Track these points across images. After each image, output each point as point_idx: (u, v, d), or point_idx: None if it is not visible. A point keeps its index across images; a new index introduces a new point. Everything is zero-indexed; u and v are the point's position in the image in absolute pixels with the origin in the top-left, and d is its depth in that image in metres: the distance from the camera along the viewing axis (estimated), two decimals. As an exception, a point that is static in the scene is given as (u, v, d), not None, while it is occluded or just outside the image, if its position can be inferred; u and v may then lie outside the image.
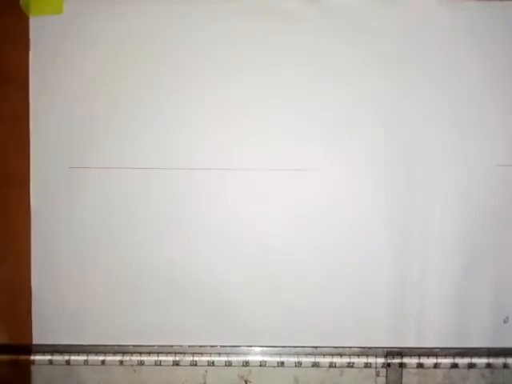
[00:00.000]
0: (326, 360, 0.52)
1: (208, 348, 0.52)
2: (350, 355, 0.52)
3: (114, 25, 0.51)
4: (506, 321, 0.52)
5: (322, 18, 0.51)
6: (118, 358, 0.52)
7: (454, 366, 0.53)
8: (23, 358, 0.52)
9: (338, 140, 0.52)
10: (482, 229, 0.52)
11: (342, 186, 0.52)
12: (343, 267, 0.52)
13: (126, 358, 0.52)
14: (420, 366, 0.53)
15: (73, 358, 0.52)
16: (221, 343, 0.53)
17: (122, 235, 0.52)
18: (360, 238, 0.52)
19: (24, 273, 0.52)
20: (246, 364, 0.52)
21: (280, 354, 0.52)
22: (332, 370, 0.52)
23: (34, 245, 0.52)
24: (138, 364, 0.52)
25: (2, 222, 0.52)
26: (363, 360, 0.52)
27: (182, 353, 0.52)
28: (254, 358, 0.52)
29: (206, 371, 0.53)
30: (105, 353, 0.52)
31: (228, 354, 0.52)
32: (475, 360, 0.52)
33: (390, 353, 0.53)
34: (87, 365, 0.52)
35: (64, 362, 0.52)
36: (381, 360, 0.52)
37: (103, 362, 0.52)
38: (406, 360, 0.53)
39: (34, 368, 0.52)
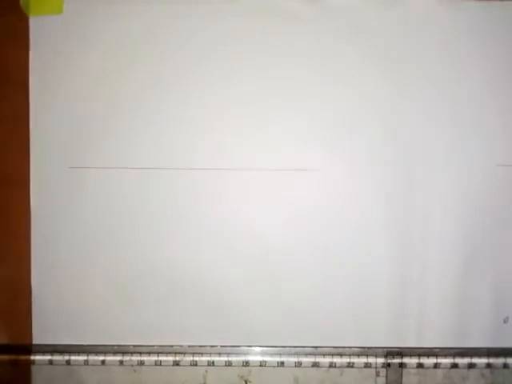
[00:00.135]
0: (326, 360, 0.52)
1: (208, 348, 0.52)
2: (349, 355, 0.52)
3: (114, 25, 0.51)
4: (506, 321, 0.52)
5: (322, 17, 0.51)
6: (118, 357, 0.52)
7: (454, 365, 0.53)
8: (23, 357, 0.52)
9: (337, 140, 0.52)
10: (481, 229, 0.52)
11: (342, 186, 0.52)
12: (343, 267, 0.52)
13: (126, 357, 0.52)
14: (420, 366, 0.53)
15: (73, 357, 0.52)
16: (221, 343, 0.53)
17: (122, 235, 0.52)
18: (360, 238, 0.52)
19: (24, 273, 0.52)
20: (246, 364, 0.52)
21: (280, 354, 0.52)
22: (332, 369, 0.52)
23: (33, 245, 0.52)
24: (137, 364, 0.52)
25: (2, 221, 0.52)
26: (363, 360, 0.52)
27: (181, 353, 0.52)
28: (254, 358, 0.52)
29: (206, 371, 0.53)
30: (105, 353, 0.52)
31: (228, 354, 0.52)
32: (475, 360, 0.52)
33: (390, 353, 0.53)
34: (87, 365, 0.52)
35: (64, 362, 0.52)
36: (381, 360, 0.52)
37: (103, 362, 0.52)
38: (406, 360, 0.53)
39: (33, 368, 0.52)
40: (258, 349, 0.52)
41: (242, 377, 0.53)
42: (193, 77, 0.51)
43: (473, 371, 0.53)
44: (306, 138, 0.52)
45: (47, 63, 0.51)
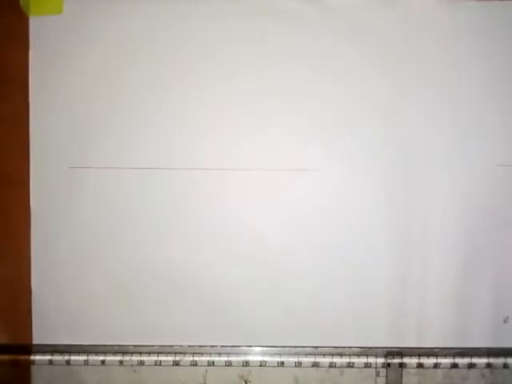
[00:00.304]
0: (326, 360, 0.52)
1: (208, 348, 0.52)
2: (349, 355, 0.52)
3: (114, 25, 0.51)
4: (506, 321, 0.52)
5: (322, 17, 0.51)
6: (118, 357, 0.52)
7: (454, 366, 0.53)
8: (23, 357, 0.52)
9: (338, 140, 0.52)
10: (481, 229, 0.52)
11: (342, 186, 0.52)
12: (343, 267, 0.52)
13: (126, 357, 0.52)
14: (420, 366, 0.53)
15: (73, 357, 0.52)
16: (221, 343, 0.53)
17: (122, 235, 0.52)
18: (360, 238, 0.52)
19: (24, 273, 0.52)
20: (246, 364, 0.52)
21: (280, 354, 0.52)
22: (332, 369, 0.52)
23: (33, 245, 0.52)
24: (137, 364, 0.52)
25: (2, 221, 0.52)
26: (363, 360, 0.52)
27: (182, 353, 0.52)
28: (254, 358, 0.52)
29: (206, 371, 0.53)
30: (105, 353, 0.52)
31: (228, 353, 0.52)
32: (475, 360, 0.52)
33: (390, 353, 0.53)
34: (87, 365, 0.52)
35: (64, 362, 0.52)
36: (381, 360, 0.52)
37: (103, 362, 0.52)
38: (406, 360, 0.53)
39: (33, 368, 0.52)
40: (257, 349, 0.52)
41: (242, 377, 0.53)
42: (193, 77, 0.51)
43: (473, 371, 0.53)
44: (306, 137, 0.52)
45: (47, 63, 0.51)
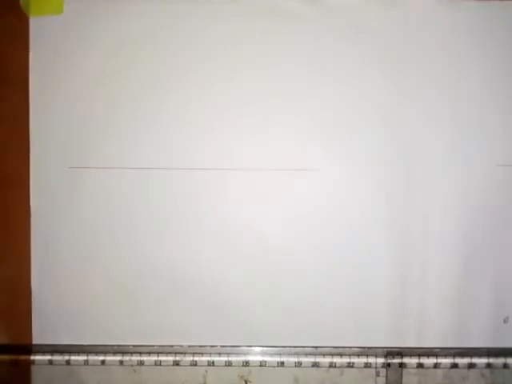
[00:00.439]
0: (326, 360, 0.52)
1: (208, 348, 0.52)
2: (350, 355, 0.52)
3: (114, 25, 0.51)
4: (506, 321, 0.52)
5: (322, 17, 0.51)
6: (118, 358, 0.52)
7: (454, 366, 0.53)
8: (23, 357, 0.52)
9: (338, 140, 0.52)
10: (482, 229, 0.52)
11: (342, 186, 0.52)
12: (343, 267, 0.52)
13: (126, 358, 0.52)
14: (420, 366, 0.53)
15: (73, 357, 0.52)
16: (221, 343, 0.53)
17: (122, 235, 0.52)
18: (360, 238, 0.52)
19: (24, 273, 0.52)
20: (246, 364, 0.52)
21: (280, 354, 0.52)
22: (332, 369, 0.52)
23: (33, 245, 0.52)
24: (137, 364, 0.52)
25: (2, 221, 0.52)
26: (363, 360, 0.52)
27: (182, 353, 0.52)
28: (254, 358, 0.52)
29: (206, 371, 0.53)
30: (105, 353, 0.52)
31: (228, 354, 0.52)
32: (475, 360, 0.52)
33: (390, 353, 0.53)
34: (87, 365, 0.52)
35: (64, 362, 0.52)
36: (381, 360, 0.52)
37: (103, 362, 0.52)
38: (406, 360, 0.53)
39: (33, 368, 0.52)
40: (257, 349, 0.52)
41: (241, 377, 0.53)
42: (193, 77, 0.51)
43: (473, 371, 0.53)
44: (306, 137, 0.52)
45: (47, 63, 0.51)
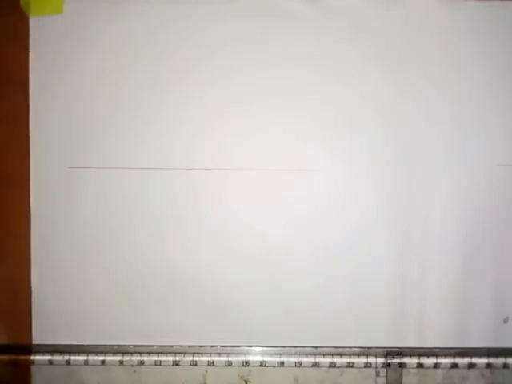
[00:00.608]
0: (326, 360, 0.52)
1: (208, 348, 0.52)
2: (350, 355, 0.52)
3: (114, 25, 0.51)
4: (506, 321, 0.52)
5: (323, 17, 0.51)
6: (118, 358, 0.52)
7: (454, 366, 0.53)
8: (23, 357, 0.52)
9: (338, 140, 0.52)
10: (482, 229, 0.52)
11: (343, 186, 0.52)
12: (343, 267, 0.52)
13: (126, 357, 0.52)
14: (420, 366, 0.53)
15: (73, 357, 0.52)
16: (221, 343, 0.53)
17: (122, 235, 0.52)
18: (360, 238, 0.52)
19: (24, 273, 0.52)
20: (246, 364, 0.52)
21: (280, 354, 0.52)
22: (332, 369, 0.52)
23: (33, 245, 0.52)
24: (137, 364, 0.52)
25: (2, 221, 0.52)
26: (363, 360, 0.52)
27: (182, 353, 0.52)
28: (254, 358, 0.52)
29: (206, 371, 0.53)
30: (105, 353, 0.52)
31: (228, 354, 0.52)
32: (475, 360, 0.52)
33: (390, 353, 0.53)
34: (87, 365, 0.52)
35: (64, 362, 0.52)
36: (381, 360, 0.52)
37: (103, 362, 0.52)
38: (406, 360, 0.53)
39: (33, 368, 0.52)
40: (258, 349, 0.52)
41: (241, 377, 0.53)
42: (193, 77, 0.51)
43: (473, 371, 0.53)
44: (307, 137, 0.52)
45: (47, 63, 0.51)
